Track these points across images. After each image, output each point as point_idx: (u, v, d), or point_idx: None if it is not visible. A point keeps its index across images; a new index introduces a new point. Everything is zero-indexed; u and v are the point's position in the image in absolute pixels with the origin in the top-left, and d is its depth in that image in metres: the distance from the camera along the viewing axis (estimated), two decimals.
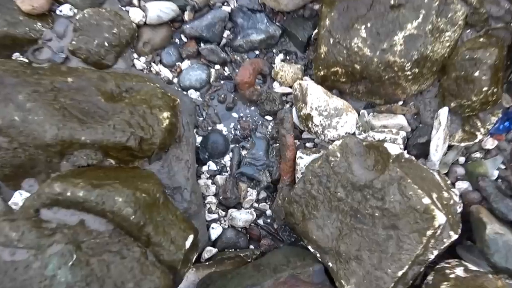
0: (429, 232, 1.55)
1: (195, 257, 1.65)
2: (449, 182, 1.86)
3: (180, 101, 1.81)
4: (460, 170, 1.89)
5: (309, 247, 1.82)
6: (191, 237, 1.57)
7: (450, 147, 1.91)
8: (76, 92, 1.63)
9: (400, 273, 1.58)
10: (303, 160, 1.95)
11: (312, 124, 1.93)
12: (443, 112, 1.82)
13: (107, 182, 1.43)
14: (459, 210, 1.77)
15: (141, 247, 1.42)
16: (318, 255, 1.79)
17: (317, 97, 1.91)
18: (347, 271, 1.66)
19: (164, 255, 1.45)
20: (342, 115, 1.92)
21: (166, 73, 2.08)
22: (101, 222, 1.41)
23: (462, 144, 1.89)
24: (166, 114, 1.68)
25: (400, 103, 1.99)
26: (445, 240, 1.65)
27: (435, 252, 1.65)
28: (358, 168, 1.73)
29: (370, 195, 1.65)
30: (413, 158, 1.78)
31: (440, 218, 1.54)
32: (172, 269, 1.51)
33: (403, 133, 1.89)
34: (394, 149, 1.67)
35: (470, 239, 1.82)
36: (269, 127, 2.07)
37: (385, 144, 1.68)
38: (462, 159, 1.94)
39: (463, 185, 1.89)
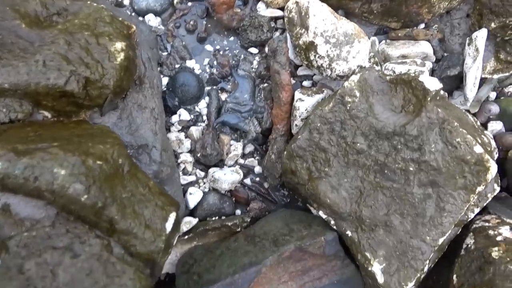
0: (479, 188, 1.24)
1: (176, 238, 1.21)
2: (479, 123, 1.53)
3: (136, 30, 1.29)
4: (495, 108, 1.57)
5: (320, 212, 1.45)
6: (172, 216, 1.14)
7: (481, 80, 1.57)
8: None
9: (441, 241, 1.27)
10: (304, 103, 1.55)
11: (315, 56, 1.50)
12: (481, 35, 1.46)
13: (40, 145, 0.97)
14: (496, 156, 1.46)
15: (102, 237, 1.00)
16: (332, 222, 1.43)
17: (322, 19, 1.47)
18: (373, 241, 1.33)
19: (137, 246, 1.04)
20: (353, 43, 1.50)
21: None
22: (37, 205, 0.96)
23: (495, 76, 1.56)
24: (120, 45, 1.28)
25: (422, 26, 1.59)
26: (489, 195, 1.36)
27: (476, 210, 1.37)
28: (382, 111, 1.36)
29: (402, 145, 1.29)
30: (447, 95, 1.41)
31: (494, 169, 1.22)
32: (149, 262, 1.08)
33: (429, 64, 1.52)
34: (433, 83, 1.29)
35: (505, 190, 1.54)
36: (255, 62, 1.68)
37: (421, 78, 1.29)
38: (493, 95, 1.61)
39: (496, 126, 1.57)
